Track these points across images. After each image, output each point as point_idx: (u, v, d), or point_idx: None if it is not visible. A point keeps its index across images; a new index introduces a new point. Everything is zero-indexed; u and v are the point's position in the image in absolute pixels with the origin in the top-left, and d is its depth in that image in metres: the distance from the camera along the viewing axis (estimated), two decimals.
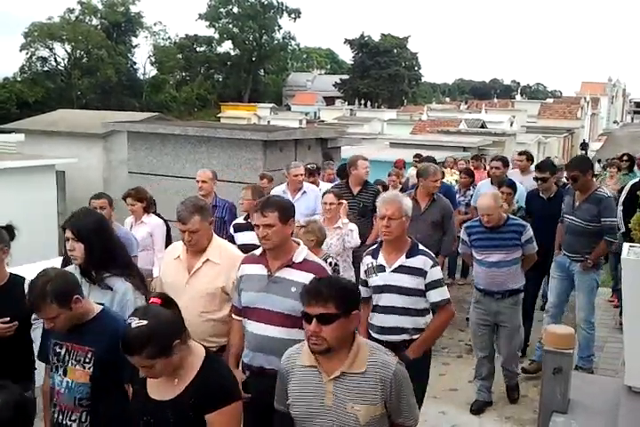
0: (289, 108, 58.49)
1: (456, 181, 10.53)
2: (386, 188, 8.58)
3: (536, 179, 6.48)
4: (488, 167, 9.21)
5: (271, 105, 53.79)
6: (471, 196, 8.65)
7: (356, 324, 2.65)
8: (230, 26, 70.02)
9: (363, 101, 54.37)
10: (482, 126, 28.36)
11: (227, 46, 71.66)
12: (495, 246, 5.14)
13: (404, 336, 3.95)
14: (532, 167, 10.16)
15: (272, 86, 73.13)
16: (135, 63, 64.36)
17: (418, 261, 3.89)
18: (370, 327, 4.08)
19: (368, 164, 7.01)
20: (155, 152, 9.62)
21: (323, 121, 40.91)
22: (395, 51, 68.67)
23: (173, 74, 65.47)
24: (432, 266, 3.89)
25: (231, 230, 6.00)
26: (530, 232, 5.17)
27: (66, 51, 58.08)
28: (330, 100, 62.84)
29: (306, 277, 3.17)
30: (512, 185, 6.93)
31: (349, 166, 6.95)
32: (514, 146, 22.27)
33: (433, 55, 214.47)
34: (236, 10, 69.59)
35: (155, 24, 65.47)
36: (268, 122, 37.50)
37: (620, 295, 6.67)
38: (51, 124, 15.43)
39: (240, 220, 6.05)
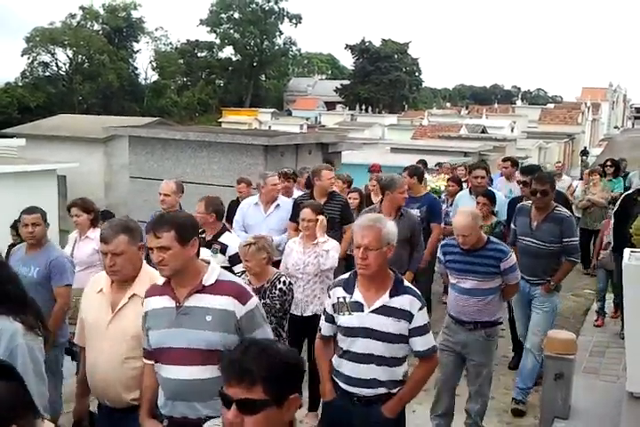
0: (290, 114, 58.54)
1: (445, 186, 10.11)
2: (361, 195, 7.98)
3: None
4: (470, 177, 8.21)
5: (272, 110, 53.83)
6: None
7: (293, 414, 1.89)
8: (231, 31, 70.18)
9: (363, 106, 54.44)
10: (482, 131, 28.38)
11: (228, 52, 71.87)
12: (470, 271, 4.48)
13: (381, 390, 3.28)
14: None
15: (273, 91, 73.23)
16: (136, 68, 64.48)
17: (404, 302, 3.23)
18: (336, 375, 3.39)
19: (333, 174, 6.61)
20: (156, 157, 9.64)
21: (323, 126, 40.96)
22: (395, 56, 68.79)
23: (175, 79, 65.58)
24: (420, 308, 3.24)
25: None
26: (512, 260, 4.49)
27: (67, 56, 58.22)
28: (331, 106, 62.92)
29: (222, 302, 2.84)
30: (490, 195, 6.48)
31: (313, 176, 6.45)
32: (514, 151, 22.28)
33: (434, 60, 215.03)
34: (237, 15, 69.77)
35: (156, 29, 65.66)
36: (269, 127, 37.54)
37: (621, 308, 6.61)
38: (52, 129, 15.47)
39: None
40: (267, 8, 69.74)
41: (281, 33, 71.79)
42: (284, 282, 4.45)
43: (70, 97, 54.51)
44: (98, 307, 3.26)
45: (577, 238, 5.27)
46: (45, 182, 12.16)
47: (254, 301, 2.95)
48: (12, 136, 15.23)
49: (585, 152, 27.32)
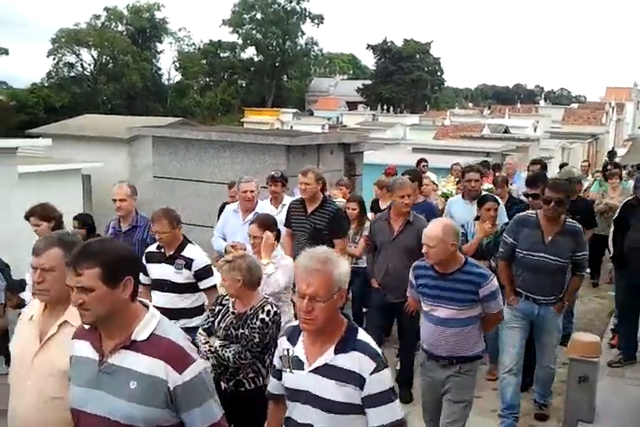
0: (311, 114, 58.59)
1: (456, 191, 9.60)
2: (361, 205, 6.84)
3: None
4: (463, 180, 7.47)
5: (294, 110, 53.93)
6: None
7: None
8: (254, 32, 70.48)
9: (385, 106, 54.30)
10: (505, 131, 28.15)
11: (250, 52, 72.25)
12: (445, 298, 3.90)
13: None
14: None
15: (295, 92, 73.40)
16: (160, 69, 65.13)
17: (351, 361, 2.47)
18: None
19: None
20: (179, 157, 9.71)
21: (345, 126, 40.90)
22: (417, 56, 68.54)
23: (197, 79, 66.05)
24: (374, 370, 2.45)
25: (143, 259, 4.83)
26: (492, 285, 3.88)
27: (92, 56, 58.96)
28: (352, 106, 62.87)
29: (151, 366, 2.21)
30: (495, 200, 5.99)
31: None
32: (537, 151, 22.07)
33: (456, 60, 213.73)
34: (259, 16, 70.04)
35: (179, 30, 66.29)
36: (291, 127, 37.61)
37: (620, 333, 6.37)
38: (77, 129, 15.64)
39: (153, 248, 4.92)
40: (289, 8, 69.95)
41: (303, 33, 72.06)
42: (269, 312, 3.77)
43: (95, 97, 55.17)
44: (26, 337, 2.73)
45: (586, 252, 4.91)
46: (71, 181, 12.29)
47: (196, 368, 2.28)
48: (38, 136, 15.43)
49: (612, 153, 26.80)
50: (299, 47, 72.87)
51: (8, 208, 8.38)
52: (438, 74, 72.06)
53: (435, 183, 9.57)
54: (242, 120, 47.65)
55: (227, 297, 4.01)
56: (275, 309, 3.83)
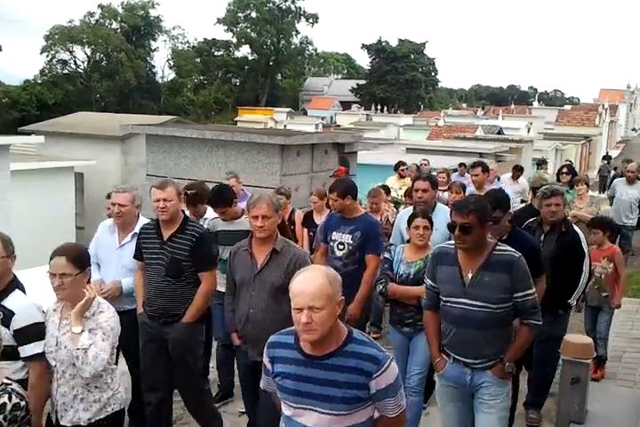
0: (305, 113, 58.61)
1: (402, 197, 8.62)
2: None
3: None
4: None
5: (288, 109, 53.93)
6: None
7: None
8: (248, 30, 70.42)
9: (379, 106, 54.35)
10: (499, 133, 28.22)
11: (244, 51, 72.20)
12: (315, 397, 2.56)
13: None
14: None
15: (289, 91, 73.38)
16: (154, 66, 64.92)
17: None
18: None
19: (171, 192, 4.32)
20: (173, 155, 9.69)
21: (339, 126, 40.95)
22: (412, 56, 68.65)
23: (191, 77, 65.91)
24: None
25: None
26: (390, 373, 2.54)
27: (86, 54, 58.71)
28: (346, 105, 62.91)
29: None
30: (427, 216, 4.69)
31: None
32: (531, 153, 22.14)
33: (450, 61, 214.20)
34: (254, 14, 69.97)
35: (173, 28, 66.12)
36: (285, 126, 37.60)
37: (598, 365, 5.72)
38: (70, 127, 15.59)
39: None
40: (283, 7, 69.92)
41: (297, 32, 72.02)
42: (3, 406, 2.50)
43: (88, 95, 54.97)
44: None
45: (534, 290, 3.52)
46: (63, 179, 12.27)
47: None
48: (30, 133, 15.37)
49: (608, 157, 26.74)
50: (293, 46, 72.84)
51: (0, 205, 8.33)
52: (432, 74, 72.18)
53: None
54: (235, 119, 47.65)
55: None
56: (16, 400, 2.53)
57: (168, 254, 4.21)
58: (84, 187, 13.74)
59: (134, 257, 4.43)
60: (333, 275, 2.55)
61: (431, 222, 4.54)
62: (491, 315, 3.44)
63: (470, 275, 3.47)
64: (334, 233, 5.18)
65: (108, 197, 5.25)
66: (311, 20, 71.20)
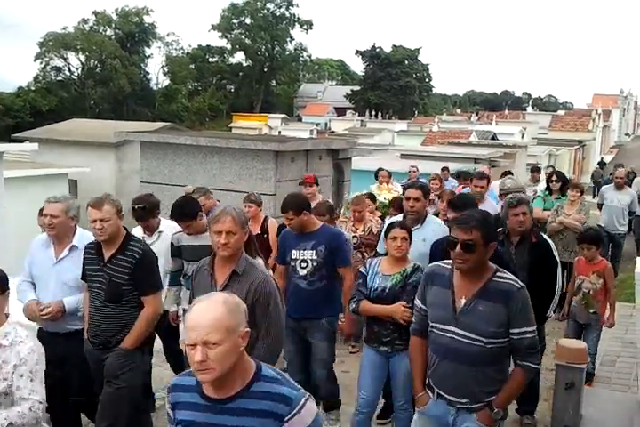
0: (300, 119, 58.72)
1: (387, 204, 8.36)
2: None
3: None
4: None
5: (282, 115, 53.99)
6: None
7: None
8: (243, 37, 70.60)
9: (373, 112, 54.52)
10: (493, 138, 28.29)
11: (239, 57, 72.39)
12: None
13: None
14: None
15: (283, 97, 73.50)
16: (148, 73, 65.03)
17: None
18: None
19: (109, 210, 3.91)
20: (167, 162, 9.69)
21: (333, 132, 41.00)
22: (406, 62, 68.91)
23: (186, 84, 65.97)
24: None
25: None
26: (307, 416, 2.15)
27: (80, 60, 58.76)
28: (341, 111, 63.06)
29: None
30: (405, 226, 4.34)
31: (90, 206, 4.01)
32: (525, 158, 22.21)
33: (444, 67, 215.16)
34: (248, 21, 70.15)
35: (168, 34, 66.24)
36: (279, 132, 37.61)
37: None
38: (64, 134, 15.58)
39: None
40: (278, 14, 70.15)
41: (292, 39, 72.25)
42: None
43: (82, 101, 54.95)
44: None
45: (534, 327, 3.10)
46: (57, 186, 12.22)
47: None
48: (24, 140, 15.35)
49: (602, 164, 26.84)
50: (287, 52, 73.04)
51: None
52: (427, 80, 72.45)
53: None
54: (230, 125, 47.65)
55: None
56: None
57: (107, 277, 3.87)
58: (78, 194, 13.72)
59: (81, 277, 4.07)
60: (235, 303, 2.16)
61: (410, 234, 4.21)
62: (482, 350, 3.04)
63: (463, 301, 3.09)
64: (294, 251, 4.75)
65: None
66: (305, 27, 71.44)
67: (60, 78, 58.48)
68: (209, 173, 9.30)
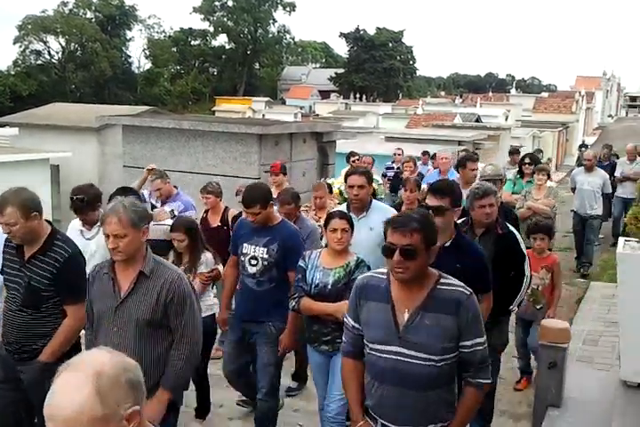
0: (284, 102, 58.39)
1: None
2: (191, 232, 4.68)
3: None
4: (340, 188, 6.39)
5: (266, 99, 53.61)
6: None
7: None
8: (225, 19, 69.86)
9: (358, 95, 54.32)
10: (477, 120, 28.34)
11: (221, 40, 71.71)
12: None
13: None
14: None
15: (267, 80, 73.01)
16: (130, 57, 64.31)
17: None
18: None
19: (5, 217, 3.36)
20: (150, 146, 9.61)
21: (317, 115, 40.80)
22: (390, 44, 68.64)
23: (168, 67, 65.32)
24: None
25: None
26: None
27: (60, 44, 57.92)
28: (325, 94, 62.75)
29: None
30: (346, 216, 4.03)
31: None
32: (509, 140, 22.27)
33: (428, 49, 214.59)
34: (230, 3, 69.42)
35: (149, 17, 65.54)
36: (263, 115, 37.38)
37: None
38: (45, 118, 15.36)
39: None
40: None
41: (275, 21, 71.68)
42: None
43: (63, 85, 54.27)
44: None
45: (484, 338, 2.72)
46: (38, 172, 12.08)
47: None
48: (4, 125, 15.13)
49: (584, 146, 26.94)
50: (270, 35, 72.46)
51: None
52: (411, 62, 72.29)
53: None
54: (213, 109, 47.27)
55: None
56: None
57: (26, 279, 3.40)
58: (59, 179, 13.58)
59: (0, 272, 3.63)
60: (112, 375, 1.52)
61: (351, 224, 3.89)
62: (433, 370, 2.63)
63: (406, 315, 2.67)
64: (245, 245, 4.31)
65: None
66: (288, 9, 70.86)
67: (39, 62, 57.68)
68: (192, 157, 9.24)
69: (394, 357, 2.66)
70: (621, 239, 4.19)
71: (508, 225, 4.42)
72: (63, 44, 57.98)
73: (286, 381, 5.26)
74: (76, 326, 3.49)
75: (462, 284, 2.73)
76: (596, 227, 9.60)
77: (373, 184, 8.77)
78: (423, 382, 2.64)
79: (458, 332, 2.64)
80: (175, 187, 6.33)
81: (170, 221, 4.97)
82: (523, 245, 4.38)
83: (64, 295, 3.44)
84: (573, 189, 9.87)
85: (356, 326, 2.82)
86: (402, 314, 2.68)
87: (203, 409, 4.83)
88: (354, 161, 9.59)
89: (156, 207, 6.05)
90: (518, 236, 4.38)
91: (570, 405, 4.21)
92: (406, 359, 2.64)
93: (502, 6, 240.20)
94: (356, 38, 68.74)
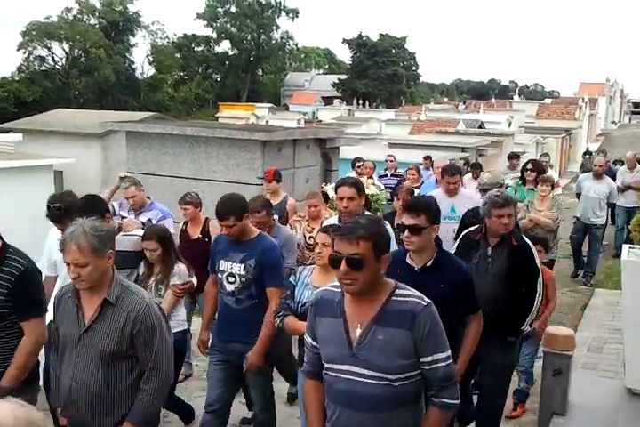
0: (287, 108, 58.48)
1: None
2: (164, 242, 4.53)
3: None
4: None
5: (269, 105, 53.74)
6: None
7: None
8: (228, 25, 70.09)
9: (361, 101, 54.35)
10: (480, 127, 28.33)
11: (225, 46, 71.92)
12: None
13: None
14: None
15: (270, 86, 73.17)
16: (133, 63, 64.44)
17: None
18: None
19: None
20: (153, 152, 9.61)
21: (321, 121, 40.87)
22: (393, 51, 68.75)
23: (171, 73, 65.46)
24: None
25: None
26: None
27: (64, 50, 58.08)
28: (328, 100, 62.82)
29: None
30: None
31: None
32: (512, 146, 22.26)
33: (431, 55, 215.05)
34: (234, 9, 69.64)
35: (152, 23, 65.57)
36: (266, 122, 37.44)
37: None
38: (48, 124, 15.43)
39: None
40: (263, 2, 69.68)
41: (278, 27, 71.86)
42: None
43: (67, 91, 54.41)
44: None
45: (448, 353, 2.51)
46: (42, 178, 12.11)
47: None
48: (8, 131, 15.18)
49: (589, 153, 26.83)
50: (274, 41, 72.64)
51: None
52: (414, 69, 72.37)
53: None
54: (216, 115, 47.38)
55: None
56: None
57: None
58: (63, 185, 13.61)
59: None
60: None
61: None
62: (389, 390, 2.42)
63: (359, 331, 2.47)
64: (222, 262, 4.05)
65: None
66: (291, 15, 71.04)
67: (43, 68, 57.82)
68: (196, 163, 9.24)
69: (348, 376, 2.46)
70: (625, 246, 4.19)
71: (524, 237, 4.24)
72: (67, 50, 58.15)
73: (286, 386, 5.24)
74: (35, 343, 3.25)
75: (420, 294, 2.51)
76: (599, 237, 9.41)
77: (376, 190, 8.93)
78: (380, 404, 2.42)
79: (414, 347, 2.42)
80: (148, 197, 6.03)
81: (140, 232, 4.72)
82: (537, 260, 4.17)
83: (19, 311, 3.18)
84: (578, 195, 9.67)
85: (314, 344, 2.64)
86: (354, 330, 2.48)
87: (185, 416, 4.72)
88: (359, 166, 9.62)
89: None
90: (534, 249, 4.19)
91: (575, 412, 4.19)
92: (360, 379, 2.44)
93: (505, 12, 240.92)
94: (359, 44, 68.86)
